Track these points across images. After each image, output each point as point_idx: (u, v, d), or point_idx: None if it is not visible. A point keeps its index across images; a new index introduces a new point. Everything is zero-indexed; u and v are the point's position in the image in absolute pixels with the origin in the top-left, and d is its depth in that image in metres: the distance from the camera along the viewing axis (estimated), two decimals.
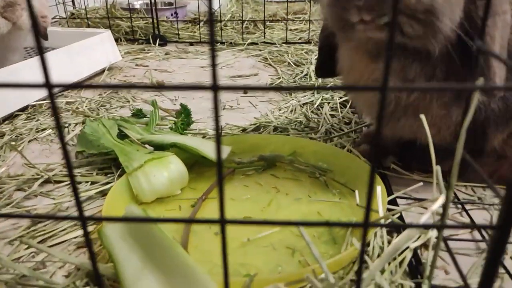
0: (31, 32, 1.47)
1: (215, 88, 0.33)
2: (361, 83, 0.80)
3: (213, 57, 0.32)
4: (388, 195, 0.83)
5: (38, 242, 0.74)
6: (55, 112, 0.33)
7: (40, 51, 0.28)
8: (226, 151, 0.96)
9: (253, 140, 1.03)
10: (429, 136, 0.58)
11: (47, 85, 0.30)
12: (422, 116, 0.59)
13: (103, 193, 0.88)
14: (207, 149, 0.93)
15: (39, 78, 0.29)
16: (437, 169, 0.59)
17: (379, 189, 0.70)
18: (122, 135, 1.06)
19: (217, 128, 0.31)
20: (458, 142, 0.53)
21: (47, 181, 0.95)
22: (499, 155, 0.86)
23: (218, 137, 0.31)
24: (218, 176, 0.32)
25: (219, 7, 2.50)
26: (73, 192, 0.35)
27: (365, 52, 0.75)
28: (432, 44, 0.66)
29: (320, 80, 1.54)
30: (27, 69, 1.31)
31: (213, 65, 0.32)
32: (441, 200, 0.52)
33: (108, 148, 0.95)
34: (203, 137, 1.14)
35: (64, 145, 0.32)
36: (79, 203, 0.36)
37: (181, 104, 1.25)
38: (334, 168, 0.91)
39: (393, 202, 0.82)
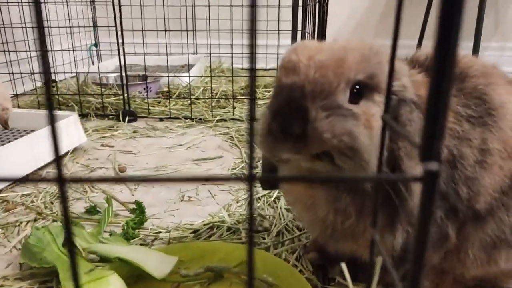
0: None
1: None
2: (298, 205, 0.81)
3: None
4: None
5: None
6: None
7: None
8: (171, 262, 0.94)
9: (202, 247, 1.03)
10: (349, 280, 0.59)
11: None
12: (343, 265, 0.60)
13: None
14: (152, 263, 0.92)
15: None
16: None
17: None
18: None
19: None
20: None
21: None
22: (440, 270, 0.87)
23: None
24: None
25: (190, 81, 2.56)
26: None
27: None
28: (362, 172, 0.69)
29: None
30: None
31: None
32: None
33: (50, 262, 0.93)
34: (154, 240, 1.12)
35: None
36: None
37: (136, 202, 1.25)
38: (278, 282, 0.90)
39: None
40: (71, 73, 3.15)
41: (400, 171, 0.69)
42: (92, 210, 1.25)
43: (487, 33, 3.01)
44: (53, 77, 3.04)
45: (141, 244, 1.10)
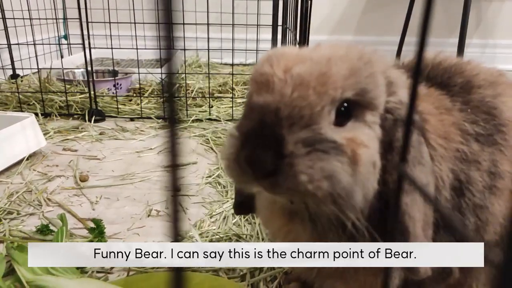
0: None
1: None
2: (278, 239, 0.69)
3: None
4: None
5: None
6: None
7: None
8: None
9: (164, 279, 0.89)
10: None
11: None
12: None
13: None
14: None
15: None
16: None
17: None
18: (13, 270, 0.89)
19: None
20: None
21: None
22: None
23: None
24: None
25: (163, 78, 2.39)
26: None
27: (280, 209, 0.65)
28: (344, 218, 0.57)
29: None
30: None
31: None
32: None
33: None
34: (112, 268, 0.98)
35: None
36: None
37: (94, 220, 1.10)
38: None
39: None
40: (37, 68, 2.94)
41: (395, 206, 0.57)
42: (44, 230, 1.10)
43: (468, 30, 2.96)
44: (16, 72, 2.84)
45: (97, 273, 0.96)
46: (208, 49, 2.16)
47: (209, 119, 2.11)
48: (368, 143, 0.53)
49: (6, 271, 0.91)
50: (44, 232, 1.10)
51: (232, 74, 2.20)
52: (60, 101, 2.12)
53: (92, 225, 1.12)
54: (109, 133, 1.92)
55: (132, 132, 1.94)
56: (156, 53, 3.37)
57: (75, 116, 2.10)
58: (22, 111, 2.08)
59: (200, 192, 1.38)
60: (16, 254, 0.91)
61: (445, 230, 0.63)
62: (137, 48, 2.18)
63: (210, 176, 1.49)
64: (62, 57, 3.55)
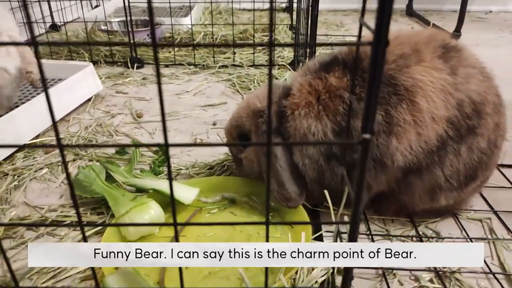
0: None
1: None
2: None
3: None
4: (318, 231, 1.09)
5: (48, 279, 0.97)
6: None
7: None
8: (194, 192, 1.19)
9: (217, 180, 1.28)
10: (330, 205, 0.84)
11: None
12: (326, 192, 0.85)
13: (98, 233, 1.11)
14: (180, 192, 1.17)
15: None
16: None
17: (303, 235, 0.96)
18: (109, 176, 1.29)
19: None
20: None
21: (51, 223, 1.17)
22: (399, 203, 1.12)
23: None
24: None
25: (191, 26, 2.68)
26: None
27: None
28: None
29: None
30: (22, 114, 1.51)
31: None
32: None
33: (99, 193, 1.18)
34: (177, 175, 1.37)
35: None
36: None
37: (158, 145, 1.48)
38: (281, 208, 1.17)
39: (320, 237, 1.08)
40: (72, 20, 3.23)
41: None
42: (121, 151, 1.49)
43: None
44: (54, 23, 3.14)
45: (167, 179, 1.36)
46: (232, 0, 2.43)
47: (234, 65, 2.42)
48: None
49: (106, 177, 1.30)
50: (121, 153, 1.49)
51: (254, 24, 2.48)
52: (105, 50, 2.45)
53: (155, 149, 1.51)
54: (150, 78, 2.26)
55: (168, 77, 2.28)
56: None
57: (119, 63, 2.44)
58: (72, 59, 2.43)
59: None
60: (109, 166, 1.30)
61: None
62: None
63: None
64: (92, 7, 3.82)
